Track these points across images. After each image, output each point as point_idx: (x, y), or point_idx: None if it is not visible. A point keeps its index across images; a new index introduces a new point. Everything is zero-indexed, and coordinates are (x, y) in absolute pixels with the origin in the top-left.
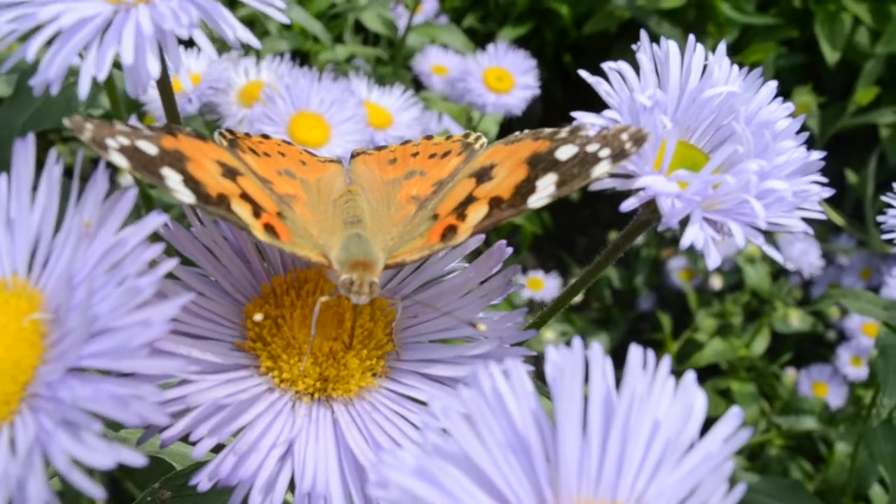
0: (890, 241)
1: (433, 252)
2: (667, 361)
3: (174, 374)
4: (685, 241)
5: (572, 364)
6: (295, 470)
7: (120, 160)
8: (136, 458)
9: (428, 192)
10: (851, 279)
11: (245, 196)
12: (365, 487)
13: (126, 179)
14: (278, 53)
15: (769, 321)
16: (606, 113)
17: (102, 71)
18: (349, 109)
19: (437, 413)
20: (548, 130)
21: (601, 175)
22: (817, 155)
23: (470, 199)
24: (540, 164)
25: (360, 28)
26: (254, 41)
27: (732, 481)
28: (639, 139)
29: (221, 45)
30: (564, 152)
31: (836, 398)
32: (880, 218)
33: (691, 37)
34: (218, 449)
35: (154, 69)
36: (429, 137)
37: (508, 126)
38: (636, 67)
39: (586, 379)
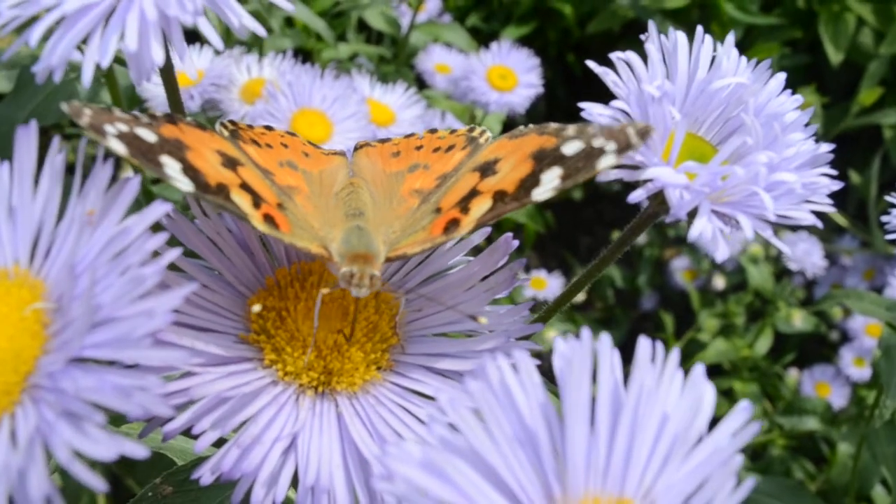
0: (894, 242)
1: (435, 245)
2: (675, 354)
3: (177, 365)
4: (694, 233)
5: (580, 356)
6: (298, 464)
7: (118, 147)
8: (138, 450)
9: (431, 185)
10: (854, 280)
11: (245, 186)
12: (369, 481)
13: (127, 174)
14: (281, 51)
15: (772, 321)
16: (614, 103)
17: (106, 58)
18: (351, 107)
19: (445, 405)
20: (553, 125)
21: (606, 168)
22: (826, 147)
23: (474, 193)
24: (545, 158)
25: (363, 26)
26: (259, 29)
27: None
28: (645, 133)
29: (223, 43)
30: (570, 147)
31: (838, 399)
32: (884, 218)
33: (699, 28)
34: (219, 444)
35: (158, 56)
36: (433, 131)
37: (512, 125)
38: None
39: (593, 373)
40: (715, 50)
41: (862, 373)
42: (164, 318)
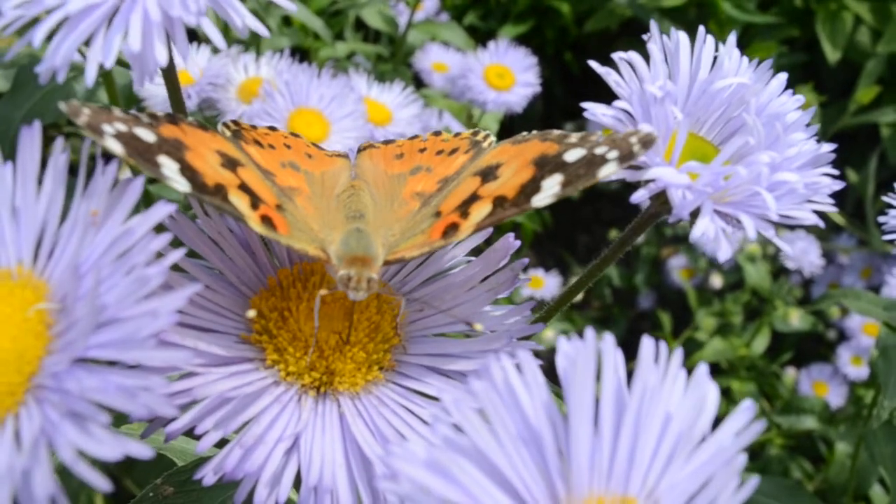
0: (891, 242)
1: (433, 249)
2: (678, 354)
3: (180, 365)
4: (696, 233)
5: (584, 355)
6: (301, 464)
7: (115, 146)
8: (142, 451)
9: (433, 188)
10: (852, 278)
11: (243, 187)
12: (372, 481)
13: (125, 175)
14: (278, 50)
15: (769, 320)
16: (617, 103)
17: (109, 58)
18: (349, 106)
19: (449, 405)
20: (556, 132)
21: (607, 176)
22: (827, 147)
23: (474, 198)
24: (547, 165)
25: (360, 25)
26: (262, 29)
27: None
28: (648, 142)
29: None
30: (572, 155)
31: (836, 398)
32: (881, 218)
33: (701, 28)
34: (221, 445)
35: (161, 57)
36: (437, 133)
37: (509, 124)
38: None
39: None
40: (717, 50)
41: (859, 372)
42: (169, 319)
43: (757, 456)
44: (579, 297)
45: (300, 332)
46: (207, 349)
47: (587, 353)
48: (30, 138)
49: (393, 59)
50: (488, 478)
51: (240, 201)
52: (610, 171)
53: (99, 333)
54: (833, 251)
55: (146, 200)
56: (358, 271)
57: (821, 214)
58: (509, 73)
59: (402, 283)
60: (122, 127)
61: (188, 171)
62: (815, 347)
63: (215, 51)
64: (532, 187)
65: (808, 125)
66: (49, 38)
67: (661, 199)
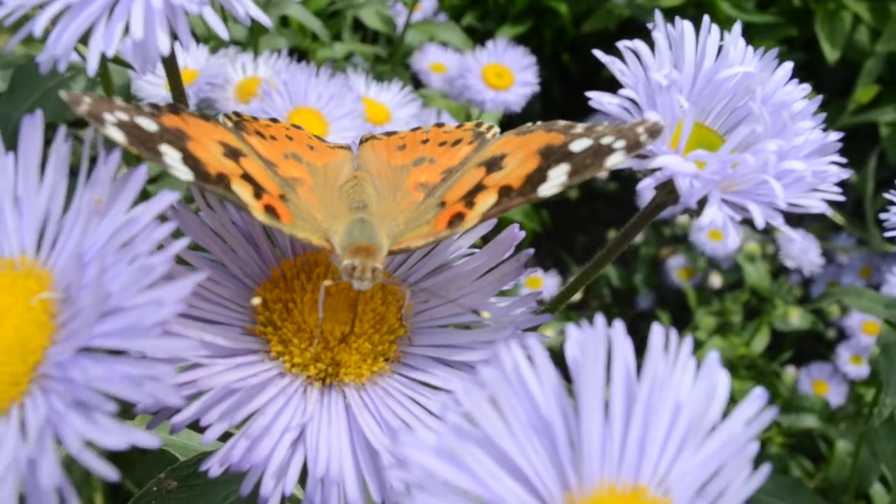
0: (892, 240)
1: (439, 239)
2: (689, 342)
3: (185, 355)
4: (704, 221)
5: (595, 342)
6: (308, 455)
7: (117, 135)
8: (149, 440)
9: (437, 179)
10: (851, 278)
11: (246, 177)
12: (379, 472)
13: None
14: (276, 50)
15: (769, 319)
16: (622, 92)
17: (111, 46)
18: (347, 105)
19: (459, 393)
20: (562, 123)
21: (614, 166)
22: (834, 136)
23: (479, 188)
24: (553, 155)
25: (358, 26)
26: (264, 18)
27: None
28: (654, 132)
29: (218, 42)
30: (578, 145)
31: (836, 396)
32: (882, 215)
33: (706, 18)
34: (224, 439)
35: (164, 45)
36: (439, 125)
37: (508, 123)
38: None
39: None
40: (721, 39)
41: (859, 370)
42: (174, 308)
43: (757, 454)
44: (579, 297)
45: (305, 324)
46: (212, 340)
47: (597, 340)
48: (31, 128)
49: (391, 59)
50: (499, 465)
51: (243, 190)
52: (617, 161)
53: (103, 322)
54: (832, 250)
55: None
56: (362, 261)
57: (821, 214)
58: (508, 72)
59: (407, 274)
60: (123, 116)
61: (190, 160)
62: (814, 346)
63: (213, 51)
64: (538, 177)
65: (815, 114)
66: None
67: (667, 189)
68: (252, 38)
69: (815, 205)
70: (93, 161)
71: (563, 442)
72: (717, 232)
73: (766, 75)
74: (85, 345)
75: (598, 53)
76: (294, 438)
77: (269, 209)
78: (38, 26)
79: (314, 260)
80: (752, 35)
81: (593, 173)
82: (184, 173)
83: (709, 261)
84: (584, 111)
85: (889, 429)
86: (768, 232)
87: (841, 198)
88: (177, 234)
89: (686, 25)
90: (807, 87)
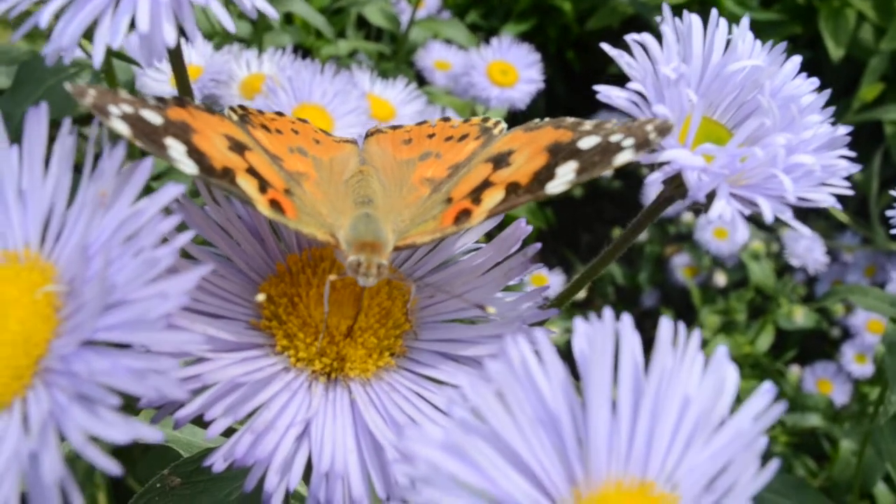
0: None
1: (445, 235)
2: (697, 336)
3: (190, 349)
4: (713, 215)
5: (603, 336)
6: (312, 450)
7: (121, 128)
8: (153, 434)
9: (443, 174)
10: (856, 276)
11: (251, 171)
12: (384, 467)
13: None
14: (280, 47)
15: (773, 318)
16: (630, 85)
17: (117, 38)
18: (352, 102)
19: (466, 388)
20: (570, 120)
21: (623, 163)
22: (843, 130)
23: (486, 184)
24: (561, 152)
25: (362, 23)
26: (270, 11)
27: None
28: (664, 130)
29: (223, 39)
30: (587, 142)
31: (840, 395)
32: (889, 212)
33: (714, 11)
34: (228, 435)
35: (170, 38)
36: (446, 119)
37: (512, 120)
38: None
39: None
40: (730, 33)
41: (863, 369)
42: (179, 300)
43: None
44: (583, 295)
45: (310, 318)
46: (217, 335)
47: (605, 333)
48: (36, 120)
49: (395, 57)
50: (506, 460)
51: (248, 185)
52: (626, 159)
53: (107, 315)
54: (837, 249)
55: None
56: (368, 257)
57: (824, 212)
58: (512, 69)
59: (413, 268)
60: (128, 108)
61: (195, 153)
62: (819, 345)
63: (218, 47)
64: (546, 174)
65: (824, 108)
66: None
67: (675, 183)
68: (256, 35)
69: (824, 199)
70: (97, 157)
71: (570, 436)
72: (722, 230)
73: (775, 69)
74: (89, 338)
75: (605, 47)
76: (299, 433)
77: (274, 204)
78: (44, 18)
79: (320, 254)
80: (756, 33)
81: (602, 171)
82: (189, 167)
83: (713, 259)
84: (588, 108)
85: (895, 428)
86: (773, 230)
87: (850, 192)
88: (181, 228)
89: (694, 19)
90: (815, 81)
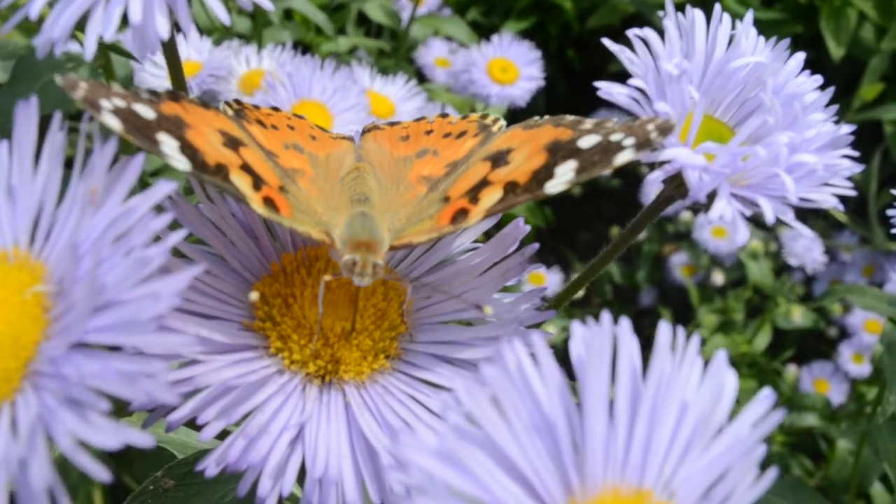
0: None
1: (442, 235)
2: (696, 341)
3: (182, 351)
4: (713, 215)
5: (600, 340)
6: (306, 454)
7: (113, 122)
8: (144, 439)
9: (440, 172)
10: (854, 276)
11: (245, 167)
12: (378, 472)
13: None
14: (280, 43)
15: (771, 317)
16: (632, 81)
17: (109, 29)
18: (351, 98)
19: (460, 393)
20: (570, 118)
21: (623, 163)
22: (847, 129)
23: (484, 183)
24: (560, 151)
25: (363, 19)
26: (267, 4)
27: None
28: (665, 129)
29: (222, 34)
30: (587, 141)
31: (837, 395)
32: (890, 212)
33: (717, 6)
34: (221, 437)
35: (163, 29)
36: (444, 115)
37: (512, 118)
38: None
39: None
40: (733, 28)
41: (861, 369)
42: (170, 301)
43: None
44: (580, 293)
45: (304, 319)
46: (210, 336)
47: (603, 338)
48: (26, 115)
49: (395, 54)
50: (501, 468)
51: (241, 181)
52: (626, 159)
53: (98, 317)
54: (835, 248)
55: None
56: (363, 256)
57: (823, 212)
58: (513, 66)
59: (409, 269)
60: (120, 103)
61: (188, 149)
62: (816, 344)
63: (217, 43)
64: (545, 173)
65: (826, 106)
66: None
67: (675, 182)
68: (256, 31)
69: (826, 199)
70: (89, 152)
71: (566, 443)
72: (721, 229)
73: (778, 66)
74: (79, 340)
75: (607, 42)
76: (292, 437)
77: (268, 201)
78: (34, 9)
79: (315, 254)
80: (758, 32)
81: (602, 171)
82: (181, 163)
83: (711, 258)
84: (589, 107)
85: (892, 427)
86: (771, 229)
87: (852, 192)
88: (174, 226)
89: (697, 14)
90: (819, 79)
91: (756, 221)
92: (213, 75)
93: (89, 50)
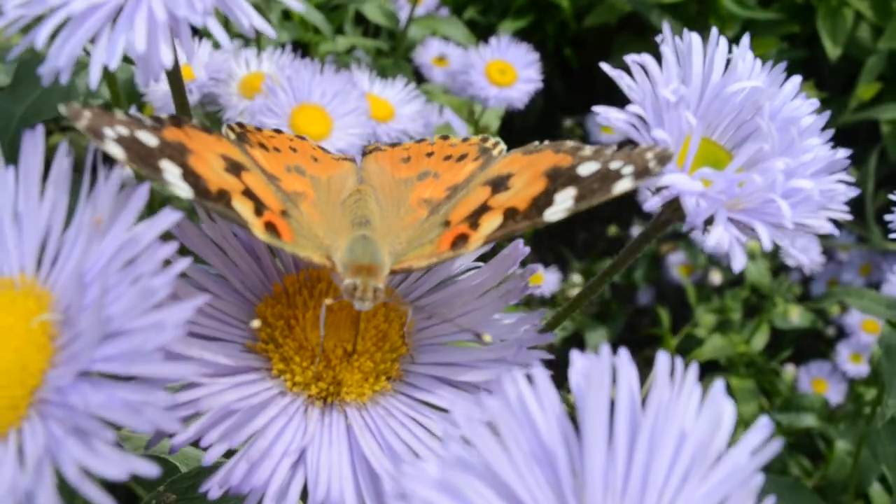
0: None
1: (441, 261)
2: (694, 370)
3: (188, 378)
4: (711, 243)
5: (599, 372)
6: (308, 477)
7: (116, 151)
8: (149, 469)
9: (441, 196)
10: (851, 275)
11: (248, 192)
12: (380, 496)
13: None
14: (279, 45)
15: (769, 317)
16: (630, 108)
17: (114, 59)
18: (351, 102)
19: (461, 422)
20: (570, 144)
21: (622, 192)
22: (843, 153)
23: (484, 209)
24: (560, 177)
25: (360, 19)
26: (269, 30)
27: None
28: (664, 158)
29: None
30: (586, 168)
31: (835, 395)
32: (888, 217)
33: (714, 30)
34: (228, 454)
35: (167, 58)
36: (445, 137)
37: (509, 119)
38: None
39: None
40: (730, 52)
41: (859, 369)
42: (174, 332)
43: None
44: (577, 291)
45: (307, 341)
46: (213, 359)
47: (601, 369)
48: (32, 142)
49: (393, 53)
50: (501, 498)
51: (243, 207)
52: (625, 188)
53: (104, 346)
54: (832, 248)
55: (151, 200)
56: (364, 280)
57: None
58: (511, 68)
59: (410, 288)
60: (123, 130)
61: (191, 176)
62: (814, 344)
63: (216, 45)
64: (544, 200)
65: (823, 130)
66: (53, 37)
67: (673, 206)
68: (256, 33)
69: (822, 225)
70: (95, 170)
71: (565, 472)
72: None
73: (774, 90)
74: (85, 369)
75: (605, 67)
76: (294, 461)
77: (270, 227)
78: (41, 38)
79: (317, 275)
80: (754, 31)
81: (600, 199)
82: (184, 191)
83: (709, 258)
84: (585, 106)
85: (891, 431)
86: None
87: (848, 216)
88: (179, 251)
89: (694, 38)
90: (815, 103)
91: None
92: (214, 78)
93: (94, 79)
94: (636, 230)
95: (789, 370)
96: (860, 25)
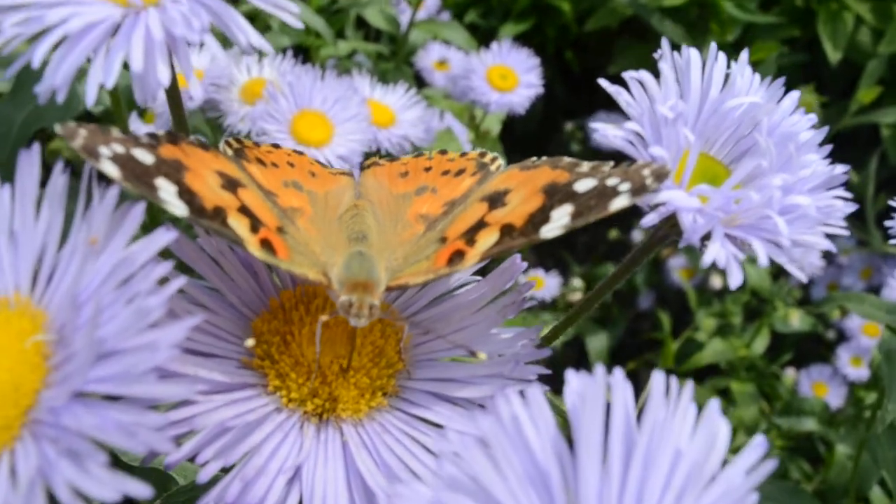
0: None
1: (438, 277)
2: (689, 388)
3: (183, 398)
4: (707, 260)
5: (594, 392)
6: (303, 494)
7: (111, 170)
8: (142, 490)
9: (438, 211)
10: (851, 279)
11: (244, 209)
12: None
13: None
14: (280, 49)
15: (769, 321)
16: (628, 125)
17: (111, 78)
18: (352, 108)
19: (455, 442)
20: (567, 160)
21: (619, 209)
22: (841, 168)
23: (481, 225)
24: (557, 194)
25: (361, 23)
26: (267, 46)
27: None
28: (661, 175)
29: (223, 42)
30: (583, 185)
31: (835, 399)
32: (888, 223)
33: (713, 45)
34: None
35: (164, 77)
36: (443, 152)
37: (510, 123)
38: (640, 68)
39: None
40: (728, 67)
41: (859, 373)
42: (168, 353)
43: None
44: (578, 297)
45: (303, 357)
46: (208, 376)
47: (596, 389)
48: (28, 161)
49: (394, 58)
50: None
51: (239, 225)
52: (622, 205)
53: (98, 367)
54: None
55: (150, 212)
56: (359, 297)
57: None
58: (512, 73)
59: (407, 304)
60: (119, 148)
61: (186, 193)
62: (814, 348)
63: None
64: (541, 217)
65: (821, 145)
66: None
67: (670, 222)
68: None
69: (819, 241)
70: (90, 188)
71: (559, 493)
72: None
73: (773, 105)
74: (79, 389)
75: (603, 83)
76: (290, 478)
77: (266, 244)
78: (37, 57)
79: (313, 291)
80: (755, 35)
81: (597, 216)
82: (179, 209)
83: None
84: (587, 109)
85: (891, 435)
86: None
87: (846, 232)
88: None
89: (693, 53)
90: (813, 118)
91: None
92: (215, 84)
93: (90, 97)
94: (637, 234)
95: (790, 374)
96: (860, 29)
